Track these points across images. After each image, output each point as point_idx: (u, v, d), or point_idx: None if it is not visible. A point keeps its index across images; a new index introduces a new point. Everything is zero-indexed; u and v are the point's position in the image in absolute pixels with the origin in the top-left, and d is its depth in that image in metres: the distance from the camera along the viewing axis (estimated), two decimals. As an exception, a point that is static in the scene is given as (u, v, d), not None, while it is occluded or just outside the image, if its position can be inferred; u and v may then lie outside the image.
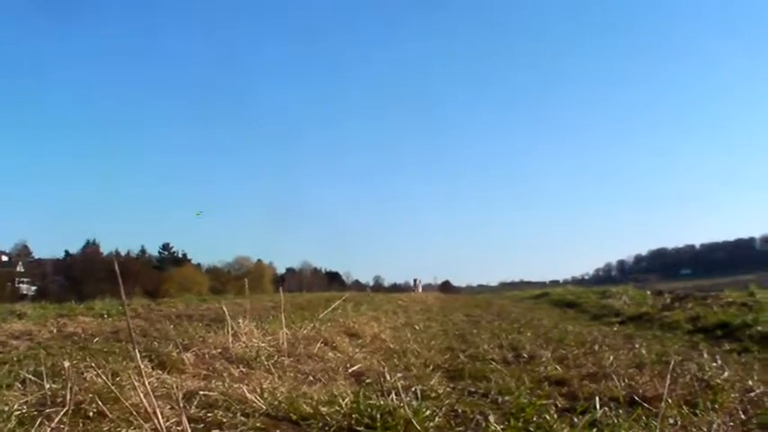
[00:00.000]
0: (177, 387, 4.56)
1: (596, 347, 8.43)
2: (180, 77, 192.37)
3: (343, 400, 4.28)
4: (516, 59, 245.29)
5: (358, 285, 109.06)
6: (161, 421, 2.69)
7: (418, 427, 3.65)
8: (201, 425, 3.70)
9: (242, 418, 3.82)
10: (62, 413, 3.47)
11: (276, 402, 4.30)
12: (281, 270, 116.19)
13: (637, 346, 8.54)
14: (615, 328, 12.81)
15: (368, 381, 5.70)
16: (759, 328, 9.71)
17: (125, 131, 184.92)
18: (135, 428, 3.23)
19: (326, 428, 3.73)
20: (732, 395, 4.91)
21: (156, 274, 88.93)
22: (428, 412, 4.09)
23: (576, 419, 4.10)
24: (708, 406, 4.53)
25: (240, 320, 6.91)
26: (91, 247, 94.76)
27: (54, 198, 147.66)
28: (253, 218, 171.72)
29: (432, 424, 3.88)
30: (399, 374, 5.89)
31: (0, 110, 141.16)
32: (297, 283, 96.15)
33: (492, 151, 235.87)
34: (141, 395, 3.22)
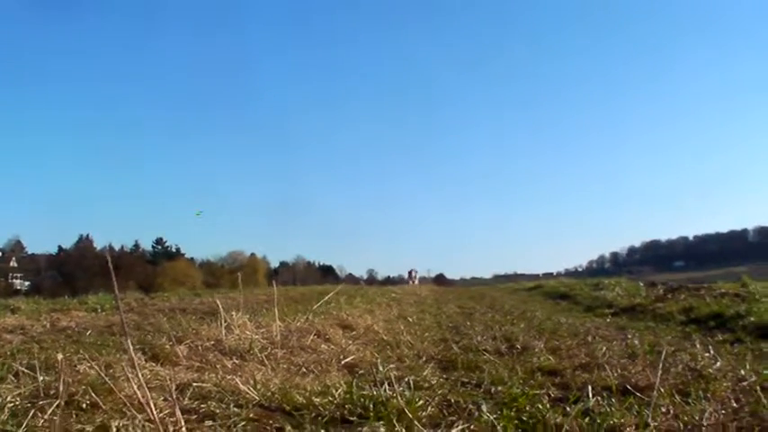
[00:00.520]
0: (170, 379, 4.56)
1: (589, 338, 8.46)
2: (176, 75, 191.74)
3: (336, 391, 4.29)
4: (516, 59, 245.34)
5: (351, 279, 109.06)
6: (154, 411, 2.68)
7: (411, 416, 3.66)
8: (195, 416, 3.70)
9: (235, 409, 3.82)
10: (55, 405, 3.46)
11: (269, 393, 4.30)
12: (274, 264, 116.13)
13: (629, 336, 8.57)
14: (608, 320, 12.86)
15: (361, 372, 5.70)
16: (752, 318, 9.76)
17: (120, 127, 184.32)
18: (128, 419, 3.22)
19: (319, 418, 3.74)
20: (724, 384, 4.93)
21: (149, 268, 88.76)
22: (421, 402, 4.11)
23: (568, 408, 4.11)
24: (700, 395, 4.54)
25: (233, 313, 6.90)
26: (84, 242, 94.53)
27: (47, 193, 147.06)
28: (247, 212, 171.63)
29: (424, 413, 3.89)
30: (392, 365, 5.89)
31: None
32: (290, 276, 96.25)
33: (486, 146, 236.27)
34: (135, 387, 3.21)
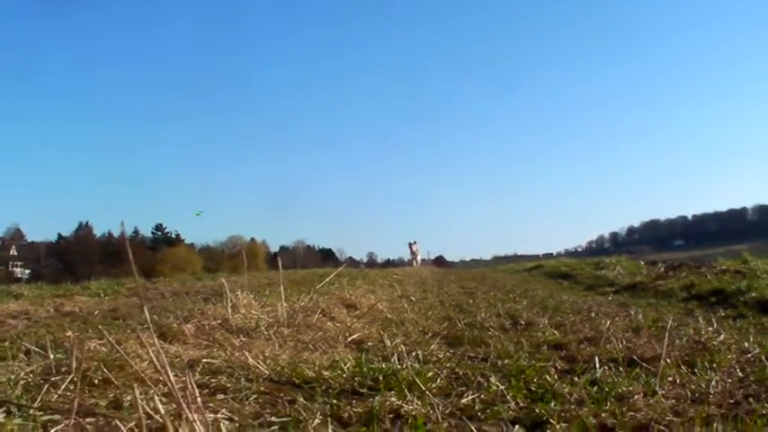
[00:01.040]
0: (179, 356, 4.59)
1: (592, 314, 8.50)
2: (174, 60, 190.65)
3: (345, 365, 4.32)
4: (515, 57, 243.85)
5: (352, 262, 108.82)
6: (172, 380, 2.71)
7: (423, 387, 3.69)
8: (206, 390, 3.73)
9: (246, 383, 3.85)
10: (68, 380, 3.49)
11: (279, 368, 4.33)
12: (274, 249, 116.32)
13: (632, 312, 8.61)
14: (610, 298, 12.92)
15: (368, 346, 5.74)
16: (753, 294, 9.80)
17: (116, 114, 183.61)
18: (143, 392, 3.24)
19: (330, 390, 3.77)
20: (729, 356, 4.96)
21: (149, 254, 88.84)
22: (430, 374, 4.15)
23: (576, 379, 4.15)
24: (705, 365, 4.59)
25: (239, 293, 6.92)
26: (84, 230, 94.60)
27: (46, 181, 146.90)
28: (246, 197, 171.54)
29: (434, 385, 3.92)
30: (399, 341, 5.93)
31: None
32: (290, 260, 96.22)
33: (485, 129, 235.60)
34: (154, 357, 3.24)
